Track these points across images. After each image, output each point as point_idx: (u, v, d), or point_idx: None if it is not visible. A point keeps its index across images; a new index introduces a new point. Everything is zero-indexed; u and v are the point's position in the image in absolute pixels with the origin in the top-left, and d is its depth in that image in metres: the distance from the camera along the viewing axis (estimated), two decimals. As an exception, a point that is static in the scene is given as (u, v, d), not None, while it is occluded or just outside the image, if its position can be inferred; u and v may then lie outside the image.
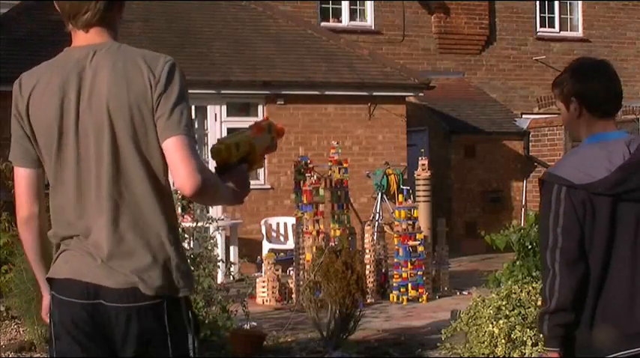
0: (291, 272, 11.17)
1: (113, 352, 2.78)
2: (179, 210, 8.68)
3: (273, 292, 10.94)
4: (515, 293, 6.97)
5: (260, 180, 14.35)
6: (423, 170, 12.27)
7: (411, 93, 15.88)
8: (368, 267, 10.75)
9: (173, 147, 2.66)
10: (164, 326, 2.77)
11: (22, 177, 2.93)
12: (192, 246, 8.13)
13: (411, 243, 11.07)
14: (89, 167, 2.76)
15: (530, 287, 7.00)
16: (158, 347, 2.77)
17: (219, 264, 8.48)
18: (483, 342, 6.71)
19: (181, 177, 2.64)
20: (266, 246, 13.41)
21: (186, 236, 7.76)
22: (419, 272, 11.02)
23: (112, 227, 2.75)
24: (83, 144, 2.75)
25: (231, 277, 9.50)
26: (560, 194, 3.13)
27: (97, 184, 2.76)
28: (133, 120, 2.70)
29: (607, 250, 3.13)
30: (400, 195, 12.06)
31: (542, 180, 3.22)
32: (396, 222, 11.41)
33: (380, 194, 14.62)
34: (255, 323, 8.46)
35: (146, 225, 2.76)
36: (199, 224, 8.18)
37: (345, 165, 11.50)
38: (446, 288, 11.70)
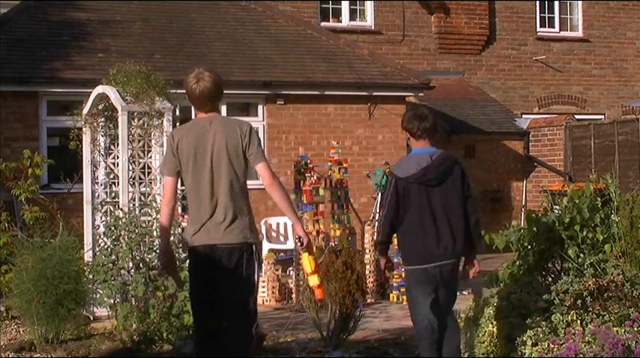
0: (291, 272, 11.17)
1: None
2: (179, 210, 8.69)
3: (273, 292, 10.94)
4: (515, 293, 6.97)
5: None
6: (423, 170, 12.26)
7: (411, 94, 15.88)
8: (368, 267, 10.75)
9: (262, 167, 5.55)
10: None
11: (170, 181, 5.62)
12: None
13: (411, 243, 11.06)
14: (217, 179, 5.50)
15: (530, 288, 7.00)
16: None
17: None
18: (483, 342, 6.71)
19: (266, 180, 5.51)
20: (266, 246, 13.40)
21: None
22: (419, 272, 11.01)
23: (223, 210, 5.51)
24: (214, 165, 5.48)
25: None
26: (392, 182, 6.15)
27: (220, 186, 5.51)
28: (232, 155, 5.49)
29: (419, 210, 6.09)
30: (400, 195, 12.04)
31: (390, 172, 6.49)
32: (396, 222, 11.41)
33: (380, 194, 14.61)
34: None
35: (239, 206, 5.53)
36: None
37: (345, 165, 11.51)
38: (446, 288, 11.69)
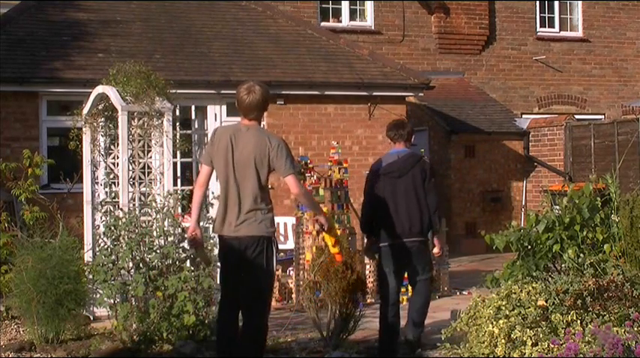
0: (291, 272, 11.17)
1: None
2: (179, 211, 8.69)
3: (273, 292, 10.92)
4: (515, 293, 6.97)
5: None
6: (422, 170, 12.26)
7: (411, 94, 15.87)
8: (368, 266, 10.76)
9: (290, 179, 6.34)
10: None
11: (205, 169, 6.46)
12: (192, 246, 8.13)
13: (411, 243, 11.06)
14: (241, 178, 6.34)
15: (530, 287, 6.99)
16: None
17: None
18: (483, 342, 6.71)
19: (293, 190, 6.46)
20: (266, 246, 13.37)
21: (186, 236, 7.76)
22: (419, 272, 11.01)
23: (245, 206, 6.33)
24: (237, 167, 6.33)
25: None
26: (369, 174, 7.68)
27: (243, 186, 6.35)
28: (257, 162, 6.29)
29: (386, 197, 7.46)
30: (400, 195, 12.05)
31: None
32: (396, 222, 11.41)
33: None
34: (255, 323, 8.45)
35: (257, 204, 6.33)
36: (199, 224, 8.18)
37: (345, 165, 11.50)
38: (446, 288, 11.70)
